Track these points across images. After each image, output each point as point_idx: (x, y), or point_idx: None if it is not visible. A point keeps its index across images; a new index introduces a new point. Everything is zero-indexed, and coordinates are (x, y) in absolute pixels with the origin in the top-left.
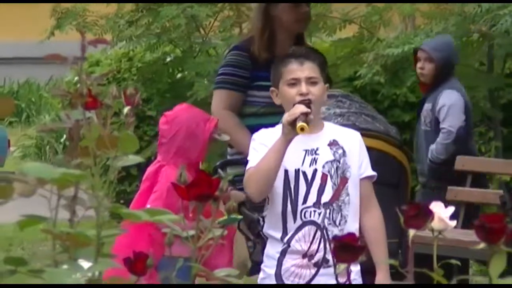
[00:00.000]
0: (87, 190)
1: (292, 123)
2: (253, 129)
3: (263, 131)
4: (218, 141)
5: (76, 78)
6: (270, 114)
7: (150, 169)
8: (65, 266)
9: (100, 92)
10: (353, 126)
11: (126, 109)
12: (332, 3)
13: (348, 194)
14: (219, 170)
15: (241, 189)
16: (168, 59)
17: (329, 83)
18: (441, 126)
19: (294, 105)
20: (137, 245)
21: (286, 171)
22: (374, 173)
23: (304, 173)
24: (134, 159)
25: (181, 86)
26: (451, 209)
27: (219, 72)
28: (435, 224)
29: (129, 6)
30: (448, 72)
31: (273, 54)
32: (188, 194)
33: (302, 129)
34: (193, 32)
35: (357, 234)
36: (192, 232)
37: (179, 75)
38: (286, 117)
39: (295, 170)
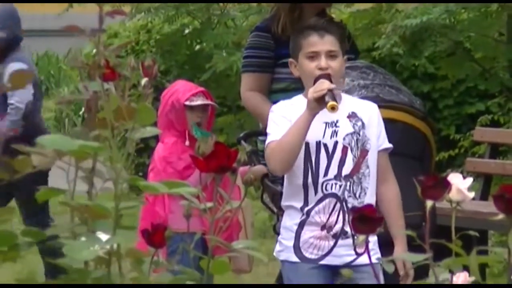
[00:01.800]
0: (105, 162)
1: (319, 100)
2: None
3: (281, 103)
4: (194, 109)
5: (94, 50)
6: (299, 89)
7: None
8: (83, 238)
9: (118, 64)
10: (377, 98)
11: (144, 81)
12: None
13: (368, 167)
14: (242, 142)
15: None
16: (187, 30)
17: (356, 54)
18: (9, 101)
19: (315, 80)
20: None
21: (307, 143)
22: (390, 145)
23: (325, 146)
24: (152, 130)
25: (200, 57)
26: (470, 180)
27: (243, 55)
28: (453, 195)
29: None
30: (13, 44)
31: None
32: (207, 166)
33: (333, 107)
34: (211, 4)
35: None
36: (210, 204)
37: (197, 47)
38: (312, 93)
39: (316, 142)
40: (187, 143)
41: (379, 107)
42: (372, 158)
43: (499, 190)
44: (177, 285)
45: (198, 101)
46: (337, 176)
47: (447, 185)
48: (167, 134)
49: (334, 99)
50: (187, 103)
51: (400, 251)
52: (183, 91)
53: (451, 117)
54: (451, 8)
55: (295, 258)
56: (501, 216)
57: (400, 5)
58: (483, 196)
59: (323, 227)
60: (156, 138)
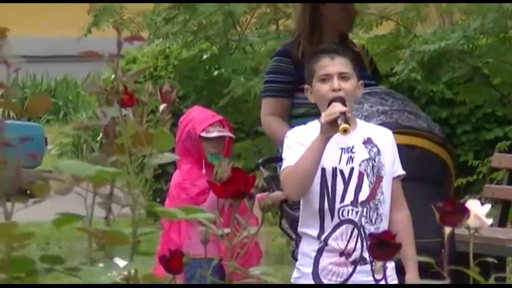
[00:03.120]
0: (123, 188)
1: (331, 123)
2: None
3: (296, 129)
4: (210, 140)
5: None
6: (319, 115)
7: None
8: (101, 264)
9: (136, 89)
10: (396, 124)
11: (162, 107)
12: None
13: (382, 193)
14: (261, 167)
15: None
16: (205, 56)
17: (378, 80)
18: None
19: (329, 103)
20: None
21: (323, 169)
22: (404, 172)
23: (342, 172)
24: (170, 156)
25: (218, 83)
26: (488, 206)
27: (264, 80)
28: (471, 221)
29: (166, 4)
30: None
31: None
32: (224, 191)
33: (345, 130)
34: (229, 29)
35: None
36: (227, 230)
37: (215, 72)
38: (325, 116)
39: (333, 168)
40: (203, 171)
41: (398, 133)
42: (386, 184)
43: None
44: (177, 285)
45: (214, 133)
46: (354, 202)
47: (465, 212)
48: (183, 161)
49: (347, 122)
50: (203, 134)
51: (411, 277)
52: (199, 119)
53: (469, 143)
54: (469, 34)
55: (311, 281)
56: None
57: (418, 30)
58: (501, 222)
59: (341, 254)
60: (174, 164)
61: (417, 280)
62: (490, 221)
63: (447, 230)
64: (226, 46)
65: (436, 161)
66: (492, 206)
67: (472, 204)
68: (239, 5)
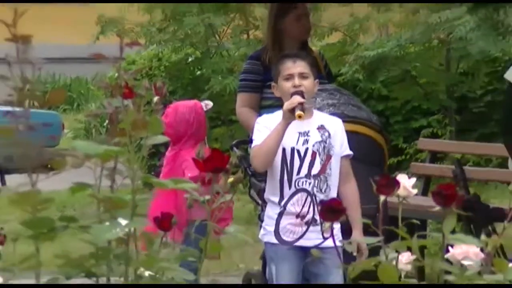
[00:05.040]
0: (124, 163)
1: (291, 111)
2: None
3: (265, 116)
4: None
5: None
6: (281, 106)
7: (168, 154)
8: (107, 223)
9: (135, 85)
10: (343, 114)
11: (155, 99)
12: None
13: (331, 168)
14: (234, 148)
15: None
16: (190, 59)
17: (331, 79)
18: None
19: (291, 95)
20: (164, 208)
21: (284, 149)
22: (351, 152)
23: (298, 151)
24: (161, 138)
25: (200, 81)
26: (413, 180)
27: (239, 78)
28: (400, 191)
29: (159, 16)
30: None
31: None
32: (205, 167)
33: (300, 116)
34: (210, 38)
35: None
36: (208, 197)
37: (198, 72)
38: (287, 105)
39: (291, 148)
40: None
41: (344, 121)
42: (335, 162)
43: (436, 188)
44: (178, 285)
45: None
46: (308, 175)
47: (396, 184)
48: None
49: (303, 111)
50: (205, 108)
51: (357, 235)
52: (190, 108)
53: (400, 130)
54: (401, 43)
55: (275, 240)
56: (437, 208)
57: (361, 39)
58: (424, 193)
59: (297, 216)
60: (165, 144)
61: (361, 238)
62: (415, 191)
63: (382, 198)
64: (207, 51)
65: (375, 144)
66: (417, 180)
67: (401, 178)
68: (218, 18)
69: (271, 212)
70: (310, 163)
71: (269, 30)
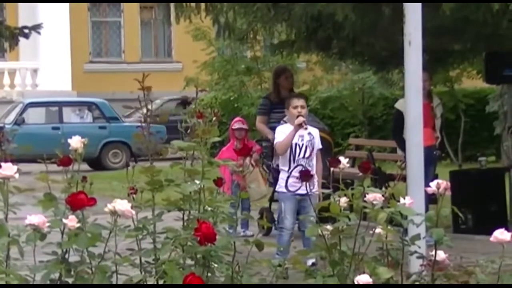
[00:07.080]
0: (199, 152)
1: (298, 125)
2: (273, 130)
3: (282, 127)
4: (235, 130)
5: (194, 106)
6: (278, 123)
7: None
8: (189, 183)
9: (203, 112)
10: (317, 127)
11: (213, 119)
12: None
13: (313, 155)
14: (255, 143)
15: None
16: (231, 98)
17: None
18: None
19: (297, 117)
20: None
21: (291, 144)
22: (320, 146)
23: (298, 145)
24: (217, 139)
25: (237, 109)
26: (347, 160)
27: (258, 107)
28: (340, 166)
29: (216, 76)
30: None
31: (280, 98)
32: (239, 152)
33: (306, 129)
34: (242, 87)
35: (313, 171)
36: (240, 169)
37: (236, 105)
38: (297, 122)
39: (295, 143)
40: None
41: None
42: (314, 151)
43: (359, 164)
44: (179, 285)
45: (236, 126)
46: (303, 157)
47: (338, 162)
48: (232, 140)
49: (305, 124)
50: (233, 127)
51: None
52: (233, 122)
53: (339, 134)
54: (339, 89)
55: (285, 190)
56: (360, 174)
57: (318, 88)
58: (352, 166)
59: (297, 178)
60: (220, 142)
61: (320, 189)
62: (348, 165)
63: (332, 169)
64: (240, 94)
65: (327, 142)
66: (348, 160)
67: (341, 159)
68: (246, 77)
69: (283, 175)
70: (304, 151)
71: (272, 83)
